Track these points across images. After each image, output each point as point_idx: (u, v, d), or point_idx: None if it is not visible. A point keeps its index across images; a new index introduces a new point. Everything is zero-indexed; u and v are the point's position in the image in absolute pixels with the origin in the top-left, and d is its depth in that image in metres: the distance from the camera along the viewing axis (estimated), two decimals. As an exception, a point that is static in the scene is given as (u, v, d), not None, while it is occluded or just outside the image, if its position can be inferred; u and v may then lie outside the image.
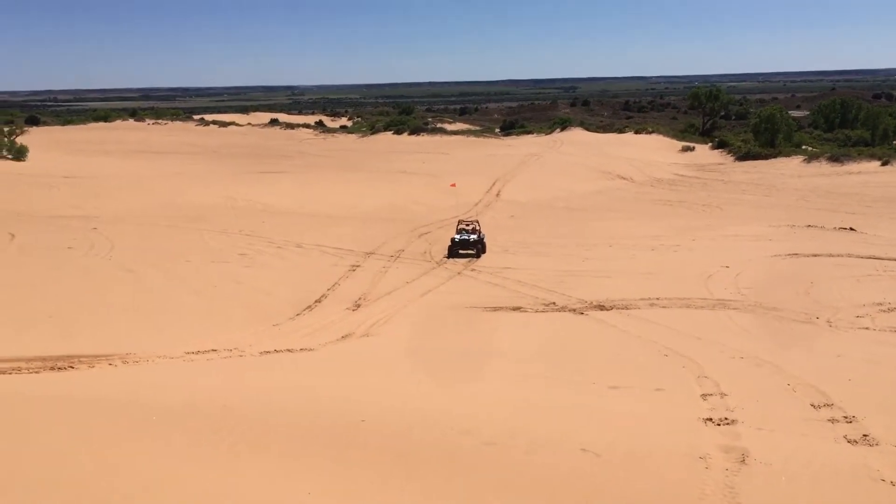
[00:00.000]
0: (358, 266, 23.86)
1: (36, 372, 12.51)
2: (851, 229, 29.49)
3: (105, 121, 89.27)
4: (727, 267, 22.88)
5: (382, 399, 11.09)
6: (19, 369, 12.55)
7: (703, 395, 11.44)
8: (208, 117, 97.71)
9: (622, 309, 18.58)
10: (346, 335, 16.65)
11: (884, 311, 17.74)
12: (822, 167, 50.81)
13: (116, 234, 25.72)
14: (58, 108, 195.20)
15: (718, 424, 10.04)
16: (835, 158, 51.65)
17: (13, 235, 24.60)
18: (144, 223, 29.01)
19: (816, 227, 30.46)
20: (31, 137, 53.09)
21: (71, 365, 13.01)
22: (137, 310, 17.70)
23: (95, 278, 20.22)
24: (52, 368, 12.76)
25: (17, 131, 50.19)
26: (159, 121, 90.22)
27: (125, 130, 79.96)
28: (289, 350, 15.07)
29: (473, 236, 26.39)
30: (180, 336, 15.60)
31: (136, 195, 36.05)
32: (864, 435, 9.64)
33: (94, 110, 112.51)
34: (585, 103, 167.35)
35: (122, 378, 12.46)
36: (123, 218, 30.06)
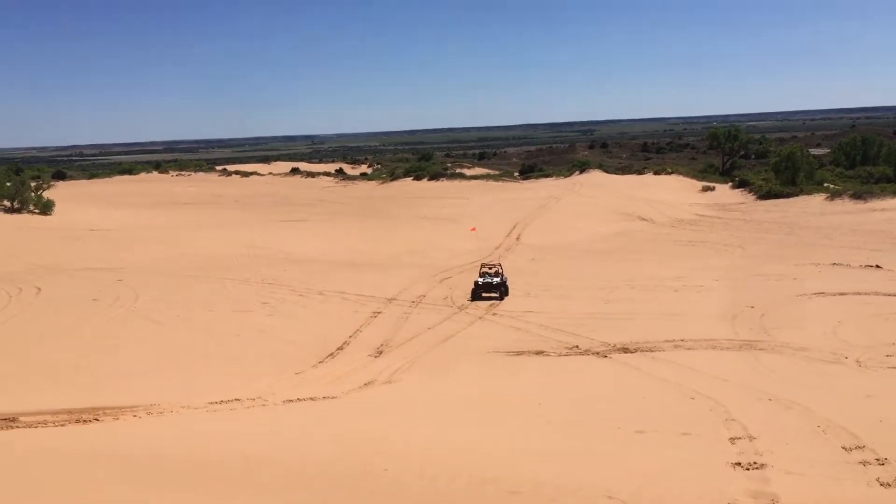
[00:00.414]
0: (380, 312, 23.89)
1: (62, 425, 12.57)
2: (878, 267, 29.12)
3: (130, 174, 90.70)
4: (752, 307, 22.65)
5: (405, 447, 11.02)
6: (45, 423, 12.62)
7: (732, 439, 11.26)
8: (231, 168, 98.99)
9: (646, 351, 18.41)
10: (369, 382, 16.61)
11: (914, 349, 17.42)
12: (845, 205, 50.41)
13: (141, 285, 25.97)
14: (84, 163, 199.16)
15: (747, 469, 9.86)
16: (858, 196, 51.23)
17: (39, 289, 24.92)
18: (168, 274, 29.28)
19: (842, 265, 30.11)
20: (58, 191, 54.03)
21: (96, 417, 13.07)
22: (162, 360, 17.80)
23: (120, 330, 20.39)
24: (77, 421, 12.81)
25: (45, 186, 51.00)
26: (183, 172, 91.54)
27: (149, 183, 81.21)
28: (311, 398, 15.06)
29: (496, 279, 26.69)
30: (204, 386, 15.65)
31: (161, 246, 36.47)
32: (898, 478, 9.43)
33: (120, 164, 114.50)
34: (604, 145, 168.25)
35: (146, 430, 12.49)
36: (148, 269, 30.38)
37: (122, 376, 16.20)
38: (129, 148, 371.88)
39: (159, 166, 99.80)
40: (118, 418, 13.13)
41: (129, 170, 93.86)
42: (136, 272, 29.10)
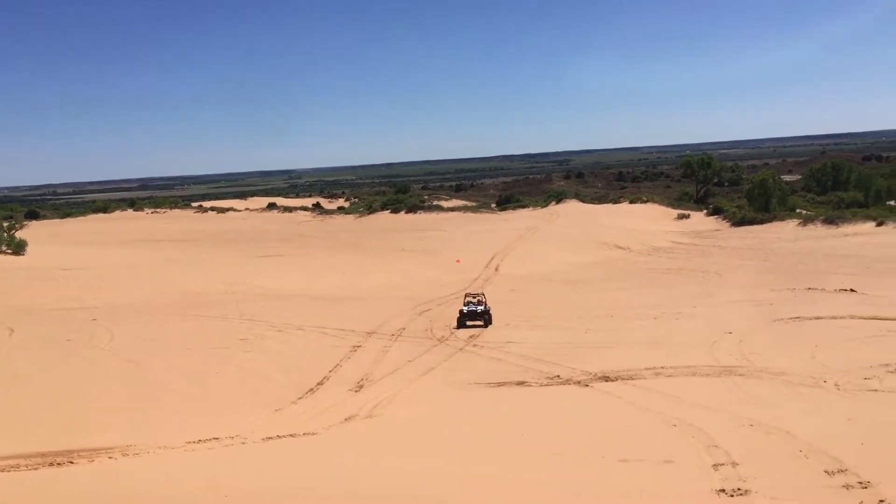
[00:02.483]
0: (359, 346, 23.73)
1: (35, 469, 12.29)
2: (852, 290, 29.45)
3: (104, 212, 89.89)
4: (730, 333, 22.76)
5: (387, 483, 10.87)
6: (18, 466, 12.33)
7: (715, 466, 11.23)
8: (206, 204, 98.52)
9: (627, 380, 18.39)
10: (349, 417, 16.44)
11: (891, 371, 17.54)
12: (818, 230, 51.12)
13: (116, 324, 25.64)
14: (57, 202, 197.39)
15: (732, 496, 9.82)
16: (830, 221, 52.01)
17: (12, 330, 24.52)
18: (144, 312, 28.95)
19: (817, 289, 30.43)
20: (31, 231, 53.47)
21: (70, 460, 12.80)
22: (137, 400, 17.52)
23: (95, 370, 20.07)
24: (51, 464, 12.54)
25: (17, 226, 50.43)
26: (158, 209, 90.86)
27: (124, 220, 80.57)
28: (291, 435, 14.85)
29: (481, 307, 27.29)
30: (181, 425, 15.40)
31: (136, 284, 36.09)
32: (881, 500, 9.43)
33: (94, 202, 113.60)
34: (579, 175, 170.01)
35: (121, 472, 12.23)
36: (123, 308, 30.01)
37: (97, 417, 15.92)
38: (104, 186, 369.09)
39: (134, 204, 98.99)
40: (93, 460, 12.87)
41: (104, 208, 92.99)
42: (110, 311, 28.74)
